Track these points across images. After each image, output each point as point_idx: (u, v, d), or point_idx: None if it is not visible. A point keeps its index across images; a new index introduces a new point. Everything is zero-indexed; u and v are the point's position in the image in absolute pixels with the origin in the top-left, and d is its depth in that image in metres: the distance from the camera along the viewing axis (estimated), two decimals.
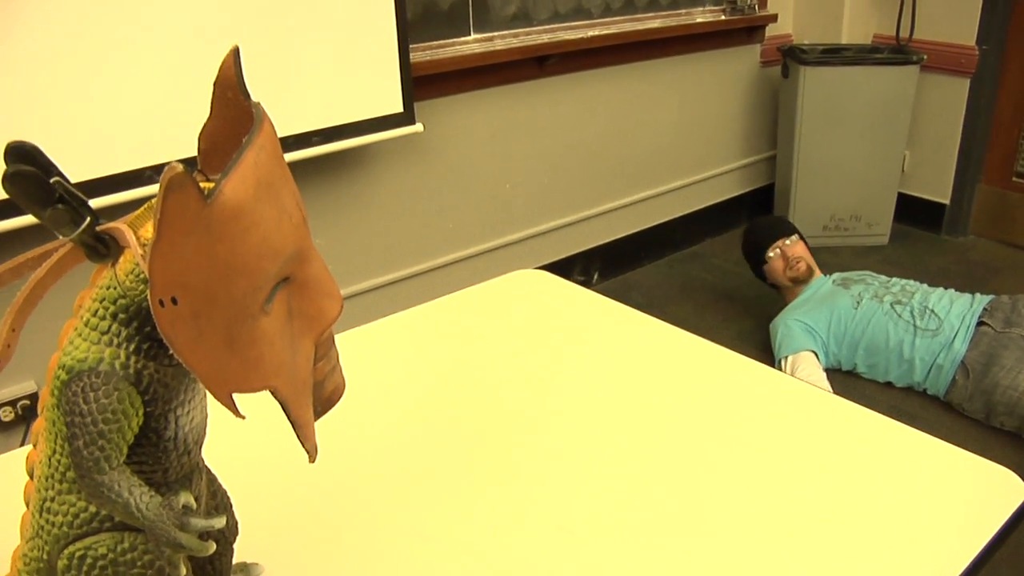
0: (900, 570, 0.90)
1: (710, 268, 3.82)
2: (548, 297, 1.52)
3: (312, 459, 0.65)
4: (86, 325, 0.59)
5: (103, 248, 0.59)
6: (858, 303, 2.74)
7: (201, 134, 0.62)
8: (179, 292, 0.53)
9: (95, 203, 1.90)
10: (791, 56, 3.66)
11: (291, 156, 2.25)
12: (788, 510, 0.99)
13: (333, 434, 1.00)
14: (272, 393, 0.60)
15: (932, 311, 2.60)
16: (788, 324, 2.84)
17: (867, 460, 1.09)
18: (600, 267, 3.63)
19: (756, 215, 4.23)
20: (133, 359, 0.59)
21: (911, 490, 1.04)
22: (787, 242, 3.04)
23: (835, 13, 3.88)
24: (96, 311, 0.59)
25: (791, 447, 1.10)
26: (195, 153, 0.63)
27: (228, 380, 0.57)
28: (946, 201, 3.94)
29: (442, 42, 2.71)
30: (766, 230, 3.12)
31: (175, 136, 2.03)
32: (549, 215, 3.36)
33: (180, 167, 0.48)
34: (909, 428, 1.16)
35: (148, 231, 0.58)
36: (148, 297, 0.57)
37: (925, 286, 2.76)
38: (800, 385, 1.26)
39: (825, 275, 3.06)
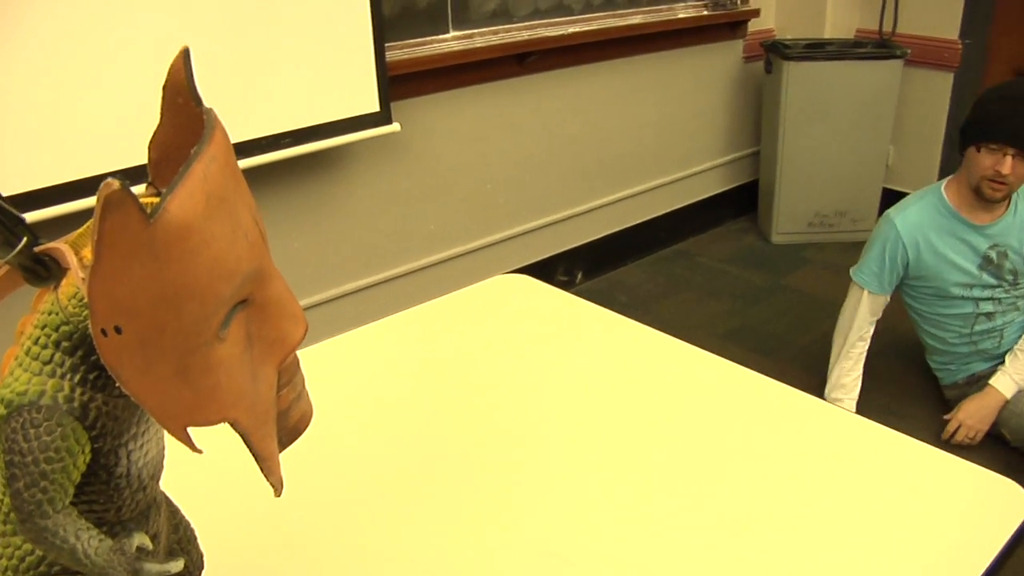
0: None
1: (696, 267, 3.78)
2: (531, 302, 1.47)
3: (278, 493, 0.60)
4: (27, 354, 0.54)
5: (43, 271, 0.54)
6: (974, 322, 2.44)
7: (151, 143, 0.57)
8: (123, 320, 0.48)
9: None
10: (774, 51, 3.63)
11: (263, 158, 2.19)
12: (780, 520, 0.95)
13: (305, 453, 0.95)
14: (232, 425, 0.55)
15: (1002, 333, 2.50)
16: (895, 241, 2.38)
17: (863, 469, 1.05)
18: (584, 267, 3.59)
19: (740, 212, 4.20)
20: (78, 391, 0.54)
21: (914, 501, 1.00)
22: (1018, 153, 2.21)
23: (818, 7, 3.86)
24: (37, 339, 0.54)
25: (783, 457, 1.06)
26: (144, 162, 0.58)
27: (182, 413, 0.52)
28: None
29: (420, 40, 2.65)
30: (1013, 118, 2.22)
31: (131, 141, 1.97)
32: (531, 215, 3.32)
33: (117, 183, 0.43)
34: (907, 437, 1.12)
35: (90, 251, 0.53)
36: (90, 325, 0.52)
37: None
38: (789, 391, 1.22)
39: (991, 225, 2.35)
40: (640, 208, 3.77)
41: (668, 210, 3.89)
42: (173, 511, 0.68)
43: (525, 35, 2.93)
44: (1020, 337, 2.43)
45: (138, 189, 0.56)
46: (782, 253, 3.87)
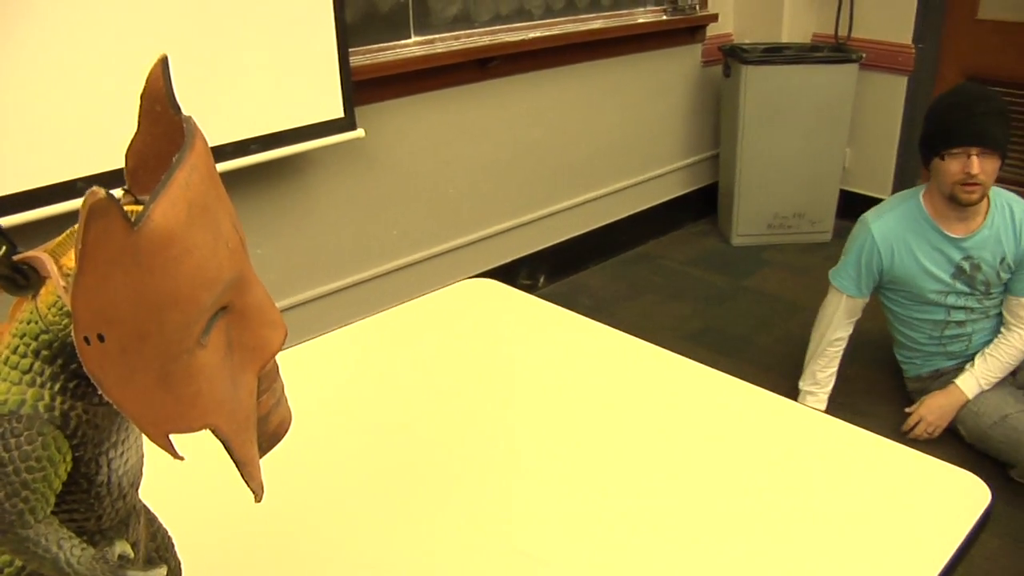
0: None
1: (658, 269, 3.82)
2: (499, 306, 1.48)
3: (258, 499, 0.60)
4: (5, 363, 0.54)
5: (22, 279, 0.53)
6: (944, 328, 2.48)
7: (128, 151, 0.57)
8: (106, 328, 0.48)
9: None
10: (733, 55, 3.67)
11: (228, 165, 2.18)
12: (749, 517, 0.97)
13: (279, 459, 0.95)
14: (213, 432, 0.56)
15: (970, 338, 2.50)
16: (871, 246, 2.42)
17: (829, 466, 1.07)
18: (547, 271, 3.60)
19: (700, 215, 4.24)
20: (59, 400, 0.53)
21: (879, 496, 1.02)
22: (986, 152, 2.25)
23: (775, 12, 3.91)
24: (16, 348, 0.54)
25: (751, 456, 1.08)
26: (121, 166, 0.58)
27: (163, 420, 0.53)
28: (887, 197, 3.98)
29: (382, 45, 2.65)
30: (971, 119, 2.24)
31: (98, 146, 1.95)
32: (494, 219, 3.32)
33: (102, 192, 0.43)
34: (871, 434, 1.14)
35: (71, 260, 0.53)
36: (72, 334, 0.52)
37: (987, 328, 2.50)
38: (756, 391, 1.24)
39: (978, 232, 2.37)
40: (602, 211, 3.79)
41: (629, 213, 3.92)
42: (150, 519, 0.68)
43: (486, 40, 2.94)
44: (988, 341, 2.48)
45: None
46: (742, 255, 3.92)
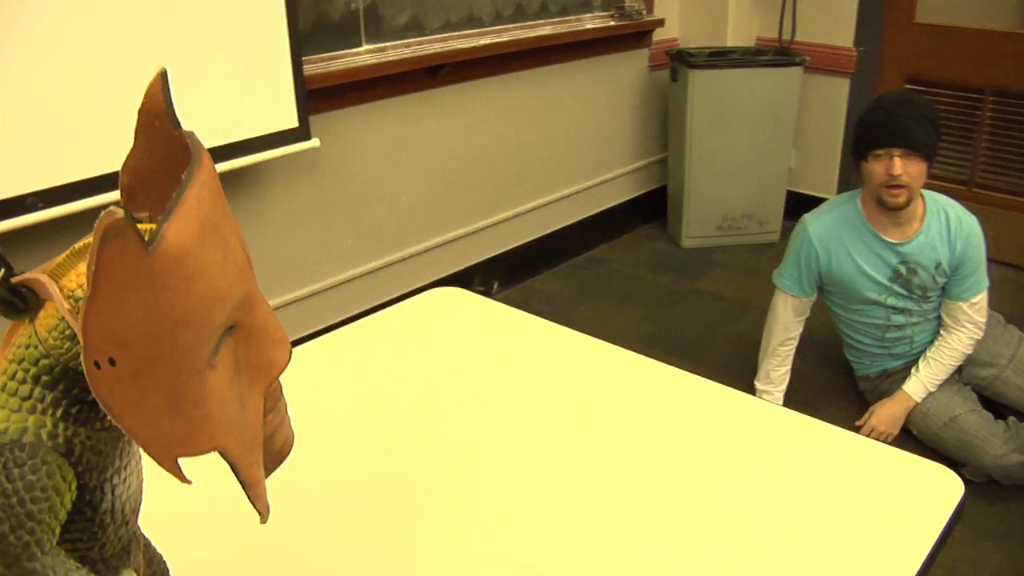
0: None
1: (610, 273, 3.84)
2: (467, 314, 1.48)
3: (264, 519, 0.59)
4: (3, 390, 0.52)
5: (20, 303, 0.52)
6: (885, 331, 2.52)
7: (124, 168, 0.56)
8: (117, 352, 0.47)
9: None
10: (679, 60, 3.71)
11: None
12: (728, 519, 0.98)
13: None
14: (221, 454, 0.54)
15: (912, 340, 2.54)
16: (808, 249, 2.46)
17: (801, 463, 1.08)
18: (500, 277, 3.60)
19: (649, 218, 4.27)
20: (61, 426, 0.52)
21: (855, 492, 1.04)
22: (908, 153, 2.25)
23: (719, 17, 3.96)
24: (14, 374, 0.52)
25: (726, 454, 1.09)
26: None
27: (173, 444, 0.51)
28: (832, 197, 4.06)
29: (334, 53, 2.63)
30: (892, 121, 2.26)
31: (52, 157, 1.90)
32: (447, 227, 3.31)
33: (120, 212, 0.42)
34: (843, 430, 1.16)
35: (71, 281, 0.51)
36: (80, 358, 0.50)
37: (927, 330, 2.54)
38: (728, 392, 1.25)
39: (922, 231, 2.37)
40: (553, 217, 3.80)
41: (580, 218, 3.93)
42: (145, 544, 0.67)
43: (437, 47, 2.93)
44: (932, 341, 2.53)
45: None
46: (692, 257, 3.96)
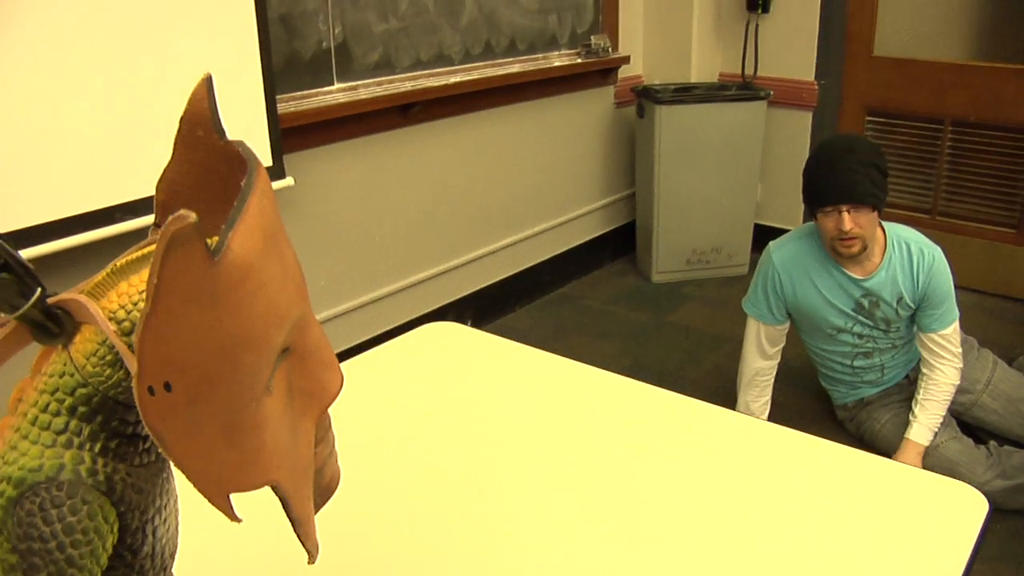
0: None
1: (582, 309, 3.82)
2: (463, 348, 1.44)
3: (313, 559, 0.55)
4: (34, 424, 0.48)
5: (54, 326, 0.47)
6: (853, 359, 2.51)
7: (160, 181, 0.52)
8: (174, 375, 0.42)
9: None
10: (646, 96, 3.73)
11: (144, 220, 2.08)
12: (752, 545, 0.94)
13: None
14: (273, 488, 0.50)
15: (883, 368, 2.52)
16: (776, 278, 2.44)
17: (824, 486, 1.06)
18: (473, 315, 3.57)
19: (618, 254, 4.27)
20: (100, 462, 0.47)
21: (881, 514, 1.01)
22: (856, 207, 2.23)
23: (682, 53, 4.00)
24: (47, 406, 0.48)
25: (746, 480, 1.06)
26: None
27: (226, 478, 0.47)
28: None
29: (306, 92, 2.60)
30: (834, 177, 2.24)
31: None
32: (421, 265, 3.28)
33: (192, 216, 0.38)
34: (861, 452, 1.14)
35: (113, 301, 0.47)
36: (121, 386, 0.46)
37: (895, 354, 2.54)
38: (742, 419, 1.23)
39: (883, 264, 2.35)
40: (524, 254, 3.78)
41: (550, 255, 3.92)
42: None
43: (408, 86, 2.91)
44: (903, 369, 2.53)
45: (130, 225, 0.50)
46: (663, 291, 3.95)
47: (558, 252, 3.95)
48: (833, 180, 2.23)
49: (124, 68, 2.00)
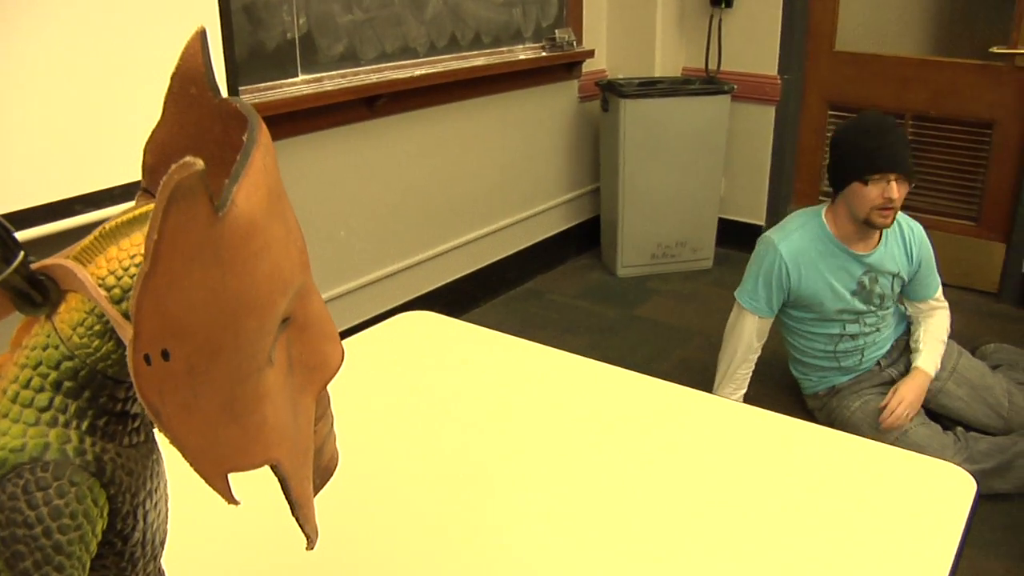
0: None
1: (548, 304, 3.80)
2: (442, 336, 1.41)
3: (311, 544, 0.52)
4: (14, 401, 0.44)
5: (37, 295, 0.44)
6: (838, 342, 2.55)
7: (149, 143, 0.49)
8: (173, 342, 0.39)
9: None
10: (610, 90, 3.72)
11: (112, 210, 2.02)
12: (745, 530, 0.93)
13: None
14: (272, 468, 0.47)
15: (863, 352, 2.57)
16: (778, 265, 2.45)
17: (811, 470, 1.05)
18: (439, 310, 3.51)
19: (583, 248, 4.26)
20: (88, 441, 0.44)
21: (871, 496, 1.00)
22: (901, 178, 2.32)
23: (646, 47, 4.00)
24: (29, 381, 0.44)
25: (734, 466, 1.04)
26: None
27: (225, 456, 0.44)
28: (762, 223, 4.11)
29: (270, 84, 2.55)
30: (892, 147, 2.33)
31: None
32: (385, 260, 3.24)
33: (199, 164, 0.35)
34: (848, 435, 1.13)
35: (101, 267, 0.44)
36: (111, 358, 0.43)
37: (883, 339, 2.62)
38: (727, 404, 1.21)
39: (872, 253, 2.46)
40: (489, 249, 3.76)
41: (516, 249, 3.90)
42: None
43: (373, 78, 2.87)
44: (879, 353, 2.57)
45: (118, 208, 0.47)
46: (629, 285, 3.95)
47: (523, 247, 3.93)
48: (888, 149, 2.34)
49: (81, 57, 1.94)
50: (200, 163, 0.34)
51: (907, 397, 2.50)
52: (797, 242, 2.47)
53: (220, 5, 2.19)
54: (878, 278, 2.47)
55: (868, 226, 2.39)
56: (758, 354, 2.60)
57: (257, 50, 2.50)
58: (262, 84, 2.52)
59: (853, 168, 2.37)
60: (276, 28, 2.55)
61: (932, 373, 2.50)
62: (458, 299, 3.61)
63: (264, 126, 0.43)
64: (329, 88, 2.70)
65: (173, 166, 0.35)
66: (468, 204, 3.57)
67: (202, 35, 0.45)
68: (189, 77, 0.46)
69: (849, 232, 2.44)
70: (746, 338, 2.56)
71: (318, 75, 2.70)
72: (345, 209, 3.00)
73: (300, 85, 2.64)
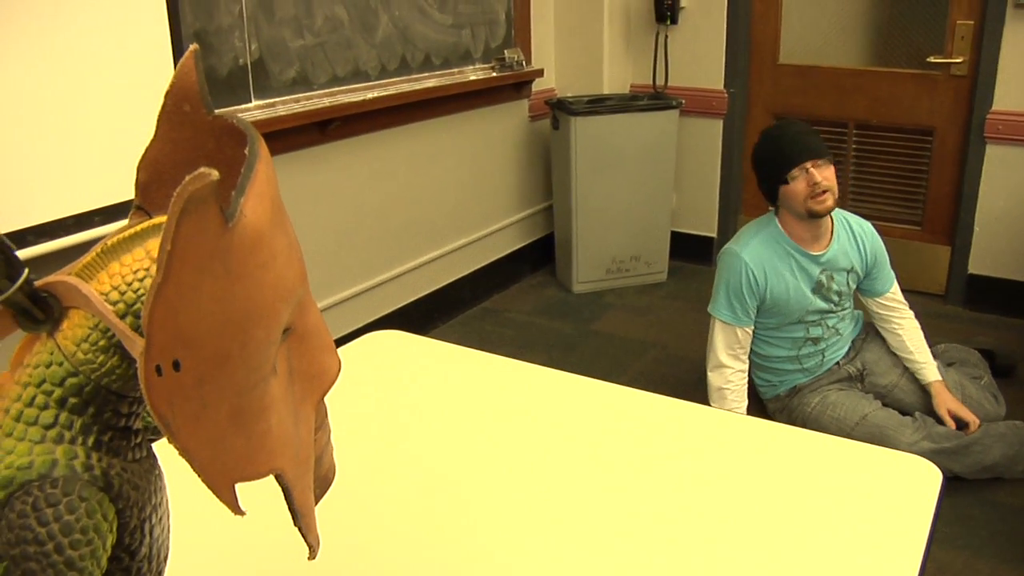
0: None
1: (505, 322, 3.81)
2: (411, 355, 1.42)
3: (313, 554, 0.52)
4: (18, 420, 0.44)
5: (39, 312, 0.44)
6: (802, 345, 2.61)
7: (142, 162, 0.49)
8: (184, 352, 0.40)
9: None
10: (560, 108, 3.76)
11: (71, 240, 2.00)
12: (722, 533, 0.95)
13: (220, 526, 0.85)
14: (276, 477, 0.48)
15: (823, 353, 2.63)
16: (744, 275, 2.50)
17: (781, 470, 1.07)
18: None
19: (537, 266, 4.29)
20: (95, 456, 0.44)
21: (841, 492, 1.02)
22: (818, 163, 2.42)
23: (594, 65, 4.05)
24: (32, 399, 0.44)
25: (707, 469, 1.06)
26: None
27: (233, 466, 0.44)
28: (713, 234, 4.17)
29: (224, 110, 2.53)
30: (793, 142, 2.45)
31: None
32: (341, 284, 3.23)
33: (214, 174, 0.35)
34: (816, 433, 1.16)
35: (104, 283, 0.44)
36: (116, 373, 0.43)
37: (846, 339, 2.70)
38: (699, 409, 1.23)
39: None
40: (445, 270, 3.76)
41: (471, 270, 3.91)
42: None
43: (326, 102, 2.88)
44: (838, 353, 2.64)
45: (110, 227, 0.47)
46: (585, 301, 3.98)
47: (478, 266, 3.94)
48: (793, 144, 2.46)
49: (33, 82, 1.92)
50: (215, 173, 0.35)
51: (952, 407, 2.58)
52: (757, 247, 2.52)
53: (171, 31, 2.18)
54: (834, 275, 2.56)
55: (813, 217, 2.46)
56: (746, 364, 2.61)
57: (210, 76, 2.49)
58: (216, 110, 2.51)
59: (774, 175, 2.49)
60: (228, 54, 2.55)
61: (942, 378, 2.62)
62: (415, 320, 3.61)
63: (263, 140, 0.44)
64: (282, 113, 2.69)
65: (187, 176, 0.35)
66: (423, 226, 3.58)
67: (195, 54, 0.46)
68: (183, 95, 0.47)
69: (800, 233, 2.51)
70: (728, 350, 2.57)
71: (271, 100, 2.70)
72: (299, 234, 2.97)
73: (253, 111, 2.63)
